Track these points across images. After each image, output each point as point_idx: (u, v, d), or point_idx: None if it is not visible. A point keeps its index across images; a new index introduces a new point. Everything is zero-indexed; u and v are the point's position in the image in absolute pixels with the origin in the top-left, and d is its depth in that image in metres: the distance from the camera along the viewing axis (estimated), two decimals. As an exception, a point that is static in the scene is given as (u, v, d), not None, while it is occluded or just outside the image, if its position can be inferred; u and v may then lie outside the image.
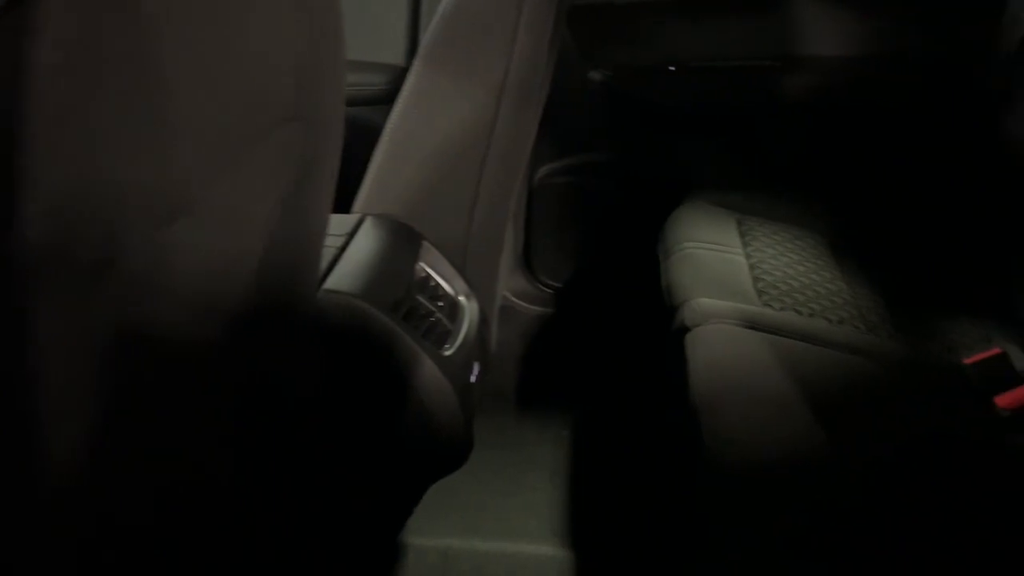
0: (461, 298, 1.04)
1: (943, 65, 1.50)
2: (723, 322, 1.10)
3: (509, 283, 1.77)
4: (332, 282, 0.87)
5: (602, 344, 1.66)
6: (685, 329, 1.11)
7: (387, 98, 1.20)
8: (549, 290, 1.76)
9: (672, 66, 1.57)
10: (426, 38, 1.01)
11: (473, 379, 1.01)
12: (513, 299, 1.76)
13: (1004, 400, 1.04)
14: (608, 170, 1.66)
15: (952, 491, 0.88)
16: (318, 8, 0.56)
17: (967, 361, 1.12)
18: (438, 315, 0.97)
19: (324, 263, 0.89)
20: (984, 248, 1.32)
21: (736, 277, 1.25)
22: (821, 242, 1.41)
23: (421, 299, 0.96)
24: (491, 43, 0.98)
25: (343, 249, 0.93)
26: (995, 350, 1.12)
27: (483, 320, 1.06)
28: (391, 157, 1.03)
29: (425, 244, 1.03)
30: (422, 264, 1.02)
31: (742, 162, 1.61)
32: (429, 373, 0.88)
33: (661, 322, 1.22)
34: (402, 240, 1.00)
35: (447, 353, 0.93)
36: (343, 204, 1.03)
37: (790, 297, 1.21)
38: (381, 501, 0.96)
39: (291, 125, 0.54)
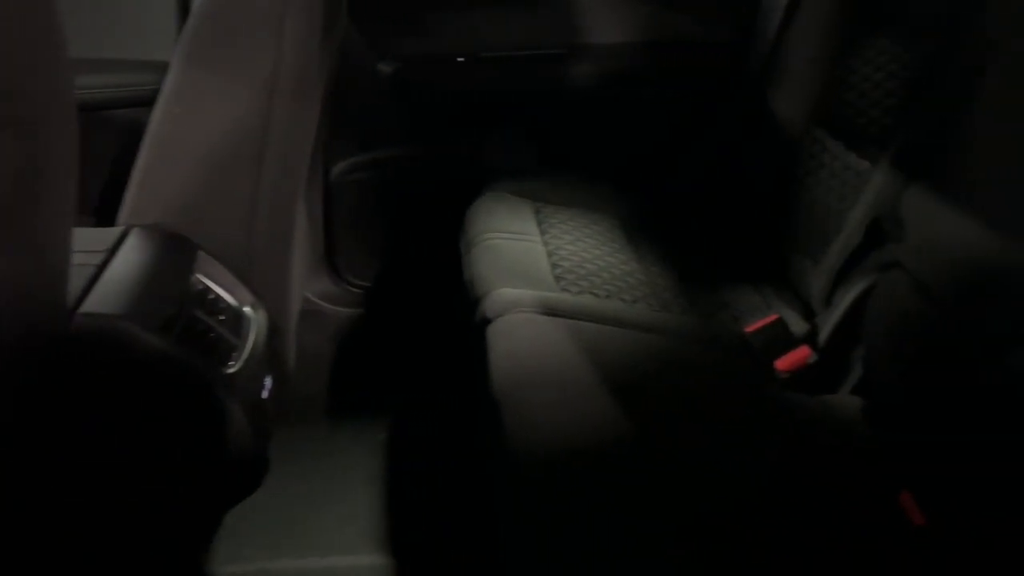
0: (246, 309, 0.97)
1: (715, 50, 1.58)
2: (523, 311, 1.10)
3: (313, 285, 1.70)
4: (90, 304, 0.78)
5: (413, 343, 1.63)
6: (487, 321, 1.10)
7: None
8: (357, 290, 1.71)
9: (461, 56, 1.56)
10: (183, 34, 0.93)
11: (265, 394, 0.95)
12: (319, 302, 1.70)
13: (782, 363, 1.11)
14: (408, 163, 1.63)
15: (745, 459, 0.92)
16: (22, 9, 0.49)
17: (749, 329, 1.18)
18: (219, 330, 0.90)
19: (80, 283, 0.80)
20: (758, 219, 1.40)
21: (535, 265, 1.26)
22: (615, 224, 1.45)
23: (199, 314, 0.88)
24: (256, 37, 0.92)
25: (103, 266, 0.84)
26: (772, 316, 1.19)
27: (274, 330, 1.00)
28: (155, 163, 0.95)
29: (201, 254, 0.95)
30: (199, 276, 0.94)
31: (537, 150, 1.62)
32: (210, 394, 0.82)
33: (467, 316, 1.21)
34: (174, 251, 0.92)
35: (231, 370, 0.87)
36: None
37: (587, 281, 1.24)
38: (175, 534, 0.88)
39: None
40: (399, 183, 1.64)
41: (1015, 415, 0.82)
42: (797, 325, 1.23)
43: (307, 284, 1.69)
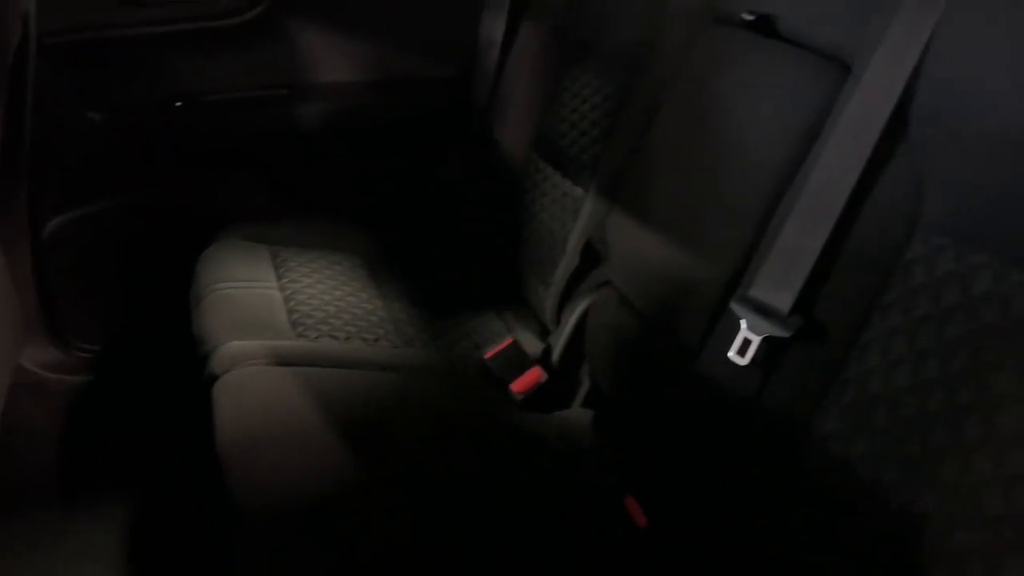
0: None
1: (440, 85, 1.63)
2: (253, 364, 1.06)
3: (31, 354, 1.55)
4: None
5: (150, 408, 1.52)
6: (215, 378, 1.05)
7: None
8: (85, 354, 1.58)
9: (179, 101, 1.49)
10: None
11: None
12: (40, 371, 1.54)
13: (517, 386, 1.15)
14: (130, 215, 1.53)
15: (484, 482, 0.94)
16: None
17: (487, 356, 1.22)
18: None
19: None
20: (495, 247, 1.45)
21: (270, 313, 1.23)
22: (357, 264, 1.44)
23: None
24: None
25: None
26: (508, 341, 1.23)
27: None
28: None
29: None
30: None
31: (272, 193, 1.59)
32: None
33: (197, 374, 1.15)
34: None
35: None
36: None
37: (326, 324, 1.22)
38: None
39: None
40: (122, 236, 1.54)
41: (708, 421, 0.90)
42: (533, 347, 1.28)
43: (24, 353, 1.54)
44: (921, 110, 0.76)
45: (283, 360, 1.07)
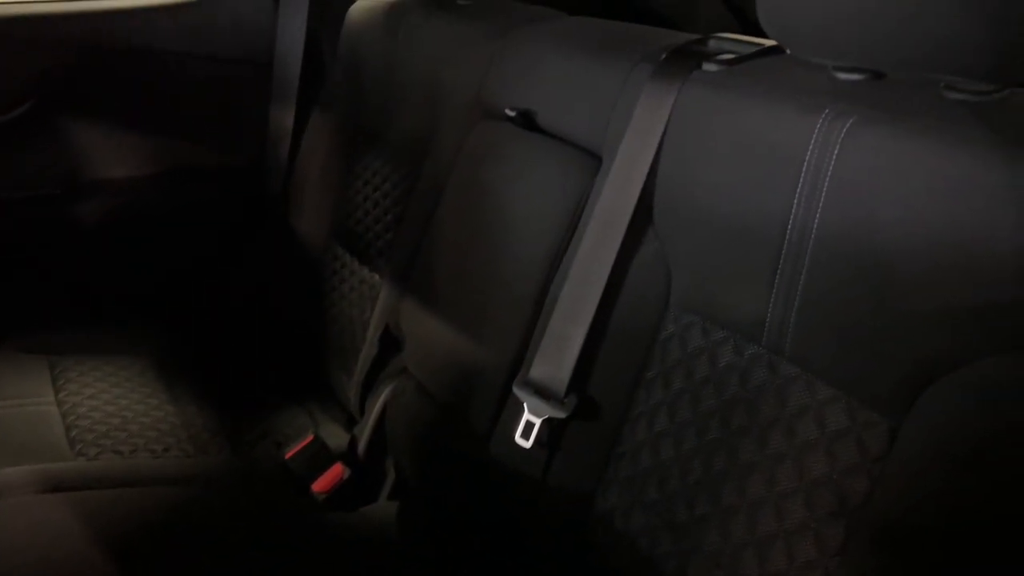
0: None
1: (231, 176, 1.60)
2: (20, 494, 0.97)
3: None
4: None
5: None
6: (-27, 516, 0.96)
7: None
8: None
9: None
10: None
11: None
12: None
13: (318, 485, 1.12)
14: None
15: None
16: None
17: (289, 455, 1.18)
18: None
19: None
20: (296, 337, 1.42)
21: (46, 432, 1.14)
22: (149, 365, 1.37)
23: None
24: None
25: None
26: (309, 438, 1.20)
27: None
28: None
29: None
30: None
31: (51, 300, 1.48)
32: None
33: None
34: None
35: None
36: None
37: (108, 438, 1.15)
38: None
39: None
40: None
41: (501, 507, 0.92)
42: (339, 440, 1.25)
43: None
44: (660, 202, 0.82)
45: (55, 486, 0.99)
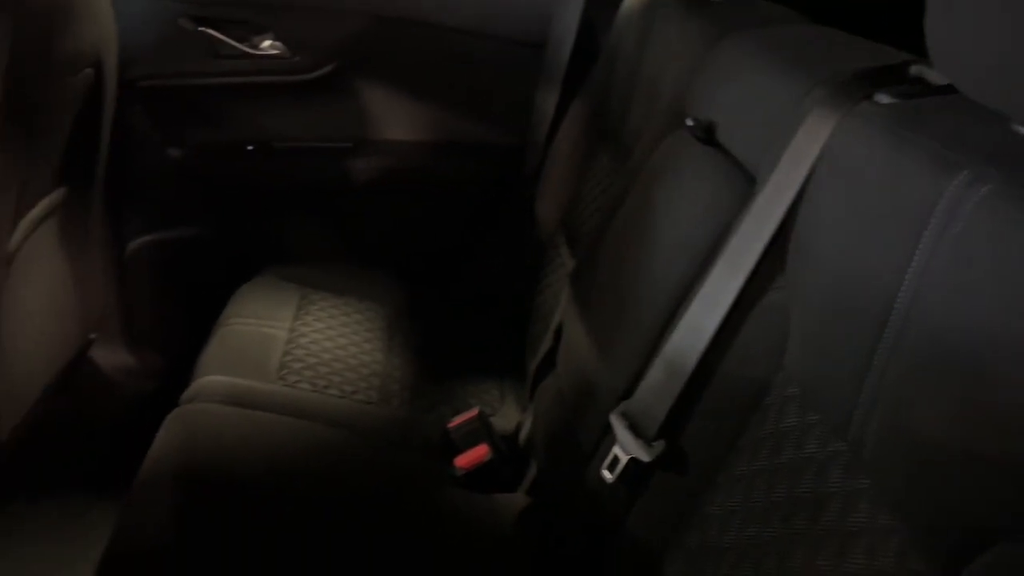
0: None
1: (494, 153, 1.67)
2: (209, 400, 1.13)
3: (107, 356, 1.73)
4: None
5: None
6: (176, 407, 1.14)
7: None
8: (151, 362, 1.74)
9: (251, 145, 1.62)
10: None
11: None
12: (109, 372, 1.72)
13: (462, 461, 1.15)
14: (195, 244, 1.68)
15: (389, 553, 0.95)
16: None
17: (451, 424, 1.22)
18: None
19: None
20: (510, 317, 1.46)
21: (264, 353, 1.30)
22: (379, 315, 1.50)
23: None
24: None
25: None
26: (474, 412, 1.23)
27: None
28: None
29: None
30: None
31: (321, 237, 1.68)
32: None
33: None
34: None
35: None
36: None
37: (313, 371, 1.28)
38: None
39: None
40: (188, 262, 1.69)
41: (590, 531, 0.87)
42: (508, 423, 1.27)
43: (100, 354, 1.72)
44: (793, 246, 0.70)
45: (240, 401, 1.14)
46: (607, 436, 0.86)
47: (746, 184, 0.80)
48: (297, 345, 1.34)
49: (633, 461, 0.79)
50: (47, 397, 1.42)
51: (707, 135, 0.89)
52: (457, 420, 1.23)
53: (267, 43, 1.56)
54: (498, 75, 1.63)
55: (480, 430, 1.21)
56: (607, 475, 0.81)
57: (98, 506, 1.49)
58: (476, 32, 1.59)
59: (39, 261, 1.32)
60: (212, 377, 1.19)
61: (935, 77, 0.68)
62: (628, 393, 0.85)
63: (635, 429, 0.79)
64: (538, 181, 1.58)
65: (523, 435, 1.22)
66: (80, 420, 1.67)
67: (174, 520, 0.92)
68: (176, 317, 1.73)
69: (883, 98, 0.66)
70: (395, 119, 1.65)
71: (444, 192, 1.69)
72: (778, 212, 0.71)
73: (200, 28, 1.50)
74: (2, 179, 1.05)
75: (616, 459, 0.80)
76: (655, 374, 0.79)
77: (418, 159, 1.67)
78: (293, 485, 1.02)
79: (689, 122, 0.90)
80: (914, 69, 0.71)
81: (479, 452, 1.15)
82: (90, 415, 1.69)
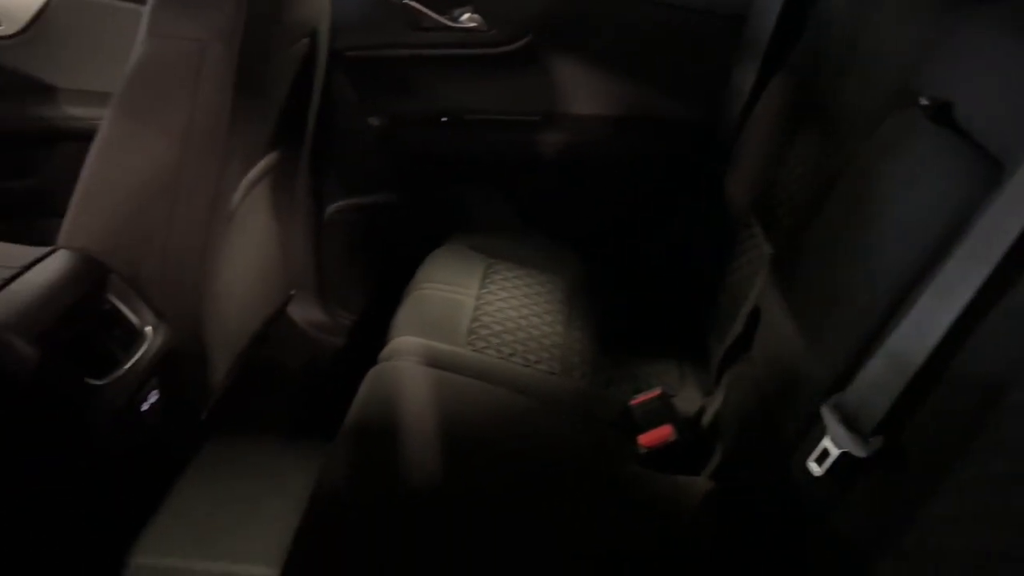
0: (147, 328, 1.11)
1: (684, 129, 1.63)
2: (406, 359, 1.18)
3: (303, 312, 1.85)
4: (-20, 311, 0.93)
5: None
6: (375, 364, 1.19)
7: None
8: (343, 321, 1.84)
9: (445, 117, 1.67)
10: (117, 86, 1.08)
11: (146, 406, 1.08)
12: (305, 328, 1.83)
13: (645, 439, 1.14)
14: (389, 210, 1.75)
15: (560, 522, 0.97)
16: None
17: (633, 402, 1.22)
18: (107, 345, 1.03)
19: (-20, 293, 0.95)
20: (693, 295, 1.44)
21: (454, 318, 1.34)
22: (559, 287, 1.51)
23: (89, 329, 1.02)
24: (173, 98, 1.06)
25: (11, 280, 0.99)
26: (657, 391, 1.22)
27: (171, 350, 1.13)
28: (87, 195, 1.10)
29: (114, 277, 1.10)
30: (109, 296, 1.09)
31: (505, 208, 1.71)
32: (67, 399, 0.95)
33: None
34: (86, 273, 1.07)
35: (100, 381, 1.00)
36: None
37: (499, 339, 1.31)
38: (49, 522, 1.02)
39: None
40: (382, 227, 1.76)
41: (787, 526, 0.84)
42: (690, 404, 1.25)
43: (297, 311, 1.84)
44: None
45: (434, 362, 1.18)
46: (814, 428, 0.83)
47: (990, 170, 0.74)
48: (484, 312, 1.37)
49: (845, 455, 0.75)
50: (252, 346, 1.54)
51: (943, 115, 0.82)
52: (640, 398, 1.23)
53: (466, 16, 1.59)
54: (694, 49, 1.59)
55: (663, 410, 1.20)
56: (814, 468, 0.78)
57: (293, 448, 1.60)
58: (676, 3, 1.56)
59: (252, 220, 1.42)
60: (407, 338, 1.24)
61: None
62: (839, 385, 0.81)
63: (849, 423, 0.76)
64: (729, 159, 1.54)
65: (707, 419, 1.19)
66: (276, 370, 1.79)
67: (378, 471, 0.97)
68: (367, 278, 1.82)
69: None
70: (585, 93, 1.65)
71: (630, 168, 1.68)
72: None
73: (404, 0, 1.55)
74: (234, 142, 1.13)
75: (826, 452, 0.77)
76: (876, 367, 0.75)
77: (605, 134, 1.66)
78: (483, 448, 1.05)
79: (924, 101, 0.84)
80: None
81: (663, 432, 1.15)
82: (285, 366, 1.81)
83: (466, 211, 1.73)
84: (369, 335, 1.82)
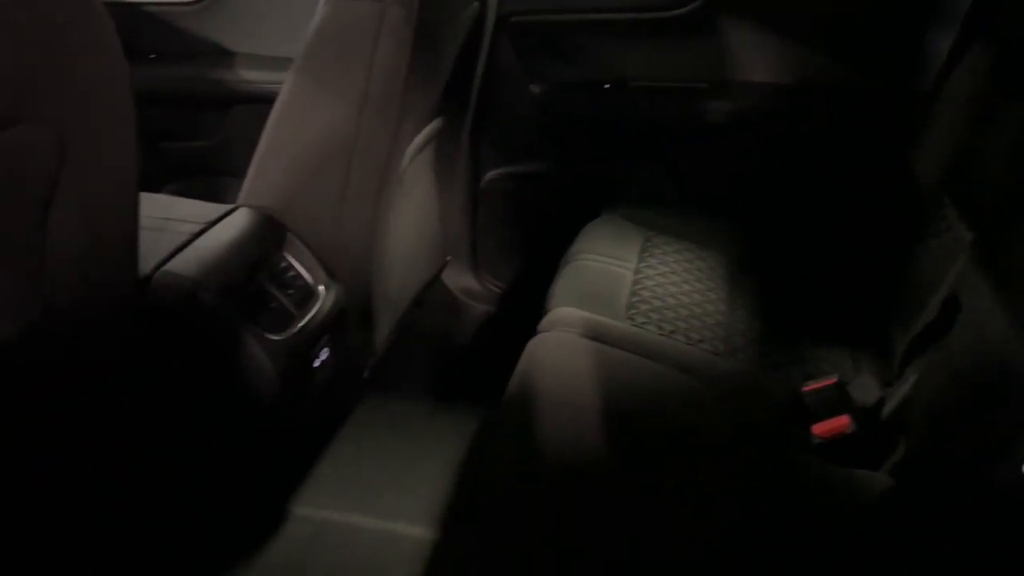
0: (320, 288, 1.14)
1: (865, 100, 1.52)
2: (567, 330, 1.16)
3: (456, 279, 1.87)
4: (172, 264, 0.98)
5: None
6: (535, 334, 1.18)
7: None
8: (495, 289, 1.85)
9: (607, 84, 1.63)
10: (299, 50, 1.10)
11: (317, 363, 1.11)
12: (458, 294, 1.85)
13: (819, 428, 1.08)
14: (545, 179, 1.73)
15: (728, 506, 0.93)
16: (34, 25, 0.63)
17: (806, 389, 1.15)
18: (283, 302, 1.07)
19: (171, 248, 1.00)
20: (869, 279, 1.34)
21: (614, 291, 1.31)
22: (721, 263, 1.45)
23: (268, 286, 1.06)
24: (352, 60, 1.07)
25: (197, 235, 1.04)
26: (832, 379, 1.15)
27: (342, 310, 1.15)
28: (268, 155, 1.14)
29: (290, 236, 1.13)
30: (286, 254, 1.12)
31: (665, 180, 1.65)
32: (247, 351, 0.98)
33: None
34: (264, 231, 1.10)
35: (277, 336, 1.03)
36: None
37: (658, 314, 1.27)
38: (219, 468, 1.07)
39: (20, 128, 0.64)
40: (537, 196, 1.75)
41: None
42: (867, 394, 1.17)
43: (450, 277, 1.86)
44: None
45: (596, 336, 1.16)
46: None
47: None
48: (643, 287, 1.33)
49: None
50: (409, 310, 1.56)
51: None
52: (813, 385, 1.16)
53: (635, -22, 1.54)
54: (882, 12, 1.47)
55: (839, 399, 1.13)
56: (1033, 474, 0.70)
57: (445, 412, 1.62)
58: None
59: (415, 185, 1.44)
60: (567, 309, 1.22)
61: None
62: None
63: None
64: (917, 134, 1.42)
65: (887, 411, 1.11)
66: (429, 334, 1.82)
67: (541, 442, 0.96)
68: (519, 247, 1.81)
69: None
70: (758, 59, 1.56)
71: (804, 141, 1.58)
72: None
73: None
74: (407, 106, 1.13)
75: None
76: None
77: (779, 104, 1.57)
78: (647, 426, 1.02)
79: None
80: None
81: (840, 422, 1.08)
82: (437, 330, 1.84)
83: (623, 182, 1.68)
84: (519, 304, 1.83)
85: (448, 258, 1.76)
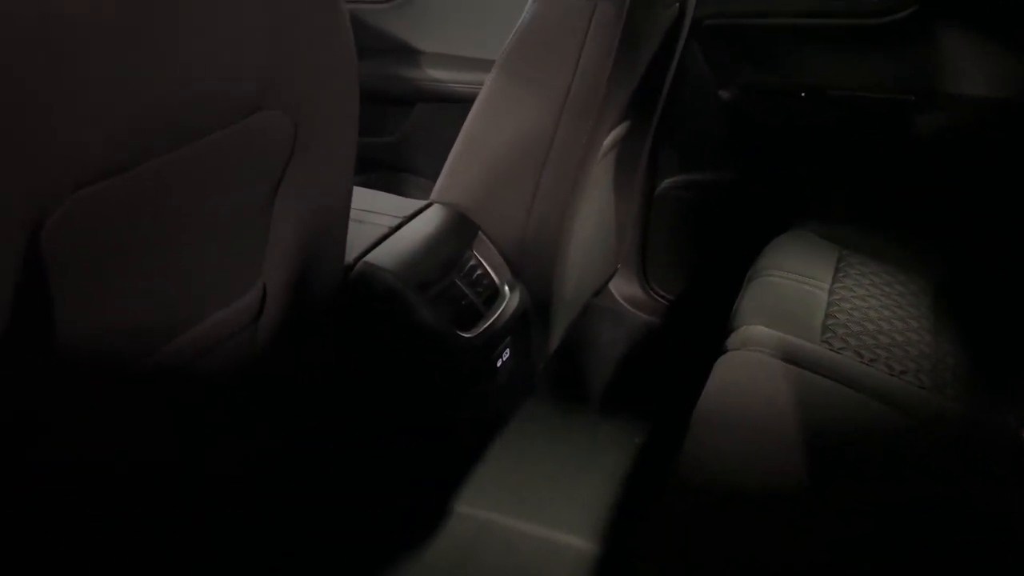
0: (505, 288, 1.12)
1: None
2: (760, 351, 1.10)
3: (622, 287, 1.83)
4: (372, 256, 0.99)
5: (689, 361, 1.67)
6: (723, 353, 1.12)
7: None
8: (661, 300, 1.79)
9: (804, 91, 1.54)
10: (504, 47, 1.09)
11: (500, 363, 1.10)
12: (622, 303, 1.81)
13: (1048, 481, 0.97)
14: (726, 189, 1.66)
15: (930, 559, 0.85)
16: (285, 14, 0.64)
17: (1026, 435, 1.04)
18: (473, 300, 1.06)
19: (371, 240, 1.01)
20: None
21: (807, 311, 1.24)
22: (924, 289, 1.34)
23: (459, 283, 1.06)
24: (557, 58, 1.05)
25: (396, 229, 1.05)
26: (1061, 428, 1.03)
27: (525, 311, 1.14)
28: (463, 153, 1.14)
29: (480, 235, 1.12)
30: (474, 252, 1.12)
31: (861, 196, 1.55)
32: (441, 347, 0.98)
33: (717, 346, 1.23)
34: (457, 229, 1.10)
35: (467, 334, 1.02)
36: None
37: (857, 340, 1.18)
38: (393, 459, 1.07)
39: (262, 114, 0.65)
40: (716, 206, 1.68)
41: None
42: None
43: (617, 285, 1.82)
44: None
45: (791, 358, 1.09)
46: None
47: None
48: (839, 308, 1.25)
49: None
50: (579, 316, 1.53)
51: None
52: (1038, 431, 1.04)
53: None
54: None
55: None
56: None
57: (608, 422, 1.58)
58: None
59: (597, 189, 1.41)
60: (757, 327, 1.16)
61: None
62: None
63: None
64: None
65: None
66: (591, 341, 1.79)
67: (734, 464, 0.91)
68: (693, 259, 1.75)
69: None
70: (972, 70, 1.44)
71: (1019, 160, 1.44)
72: None
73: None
74: (606, 109, 1.10)
75: None
76: None
77: (992, 119, 1.44)
78: (847, 458, 0.94)
79: None
80: None
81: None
82: (601, 338, 1.81)
83: (813, 195, 1.59)
84: (687, 317, 1.77)
85: (619, 266, 1.72)
